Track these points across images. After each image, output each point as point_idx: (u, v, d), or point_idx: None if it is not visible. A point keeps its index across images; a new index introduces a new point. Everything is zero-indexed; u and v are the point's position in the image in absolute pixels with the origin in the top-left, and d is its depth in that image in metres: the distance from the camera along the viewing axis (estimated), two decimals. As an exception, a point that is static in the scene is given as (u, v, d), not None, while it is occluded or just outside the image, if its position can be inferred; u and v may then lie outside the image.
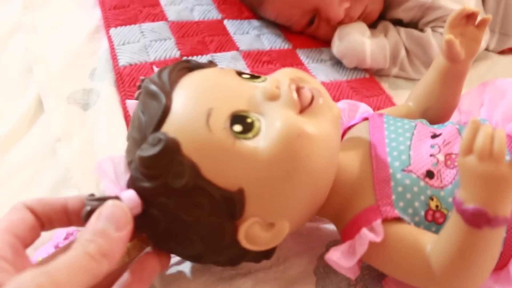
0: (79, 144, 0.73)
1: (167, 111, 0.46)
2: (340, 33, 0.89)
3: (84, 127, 0.76)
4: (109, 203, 0.41)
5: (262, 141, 0.45)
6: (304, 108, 0.47)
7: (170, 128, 0.45)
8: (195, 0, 0.99)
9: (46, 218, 0.46)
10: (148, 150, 0.44)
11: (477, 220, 0.42)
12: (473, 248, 0.44)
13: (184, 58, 0.53)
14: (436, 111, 0.63)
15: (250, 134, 0.45)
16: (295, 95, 0.47)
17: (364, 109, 0.66)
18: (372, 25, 0.94)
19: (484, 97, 0.64)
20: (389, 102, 0.83)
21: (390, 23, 0.93)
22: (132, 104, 0.53)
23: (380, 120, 0.58)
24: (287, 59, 0.89)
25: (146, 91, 0.48)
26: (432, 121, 0.62)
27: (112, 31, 0.89)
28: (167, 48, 0.87)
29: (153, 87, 0.47)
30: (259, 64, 0.87)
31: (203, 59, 0.86)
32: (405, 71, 0.90)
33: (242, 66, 0.86)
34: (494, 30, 0.95)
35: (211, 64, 0.53)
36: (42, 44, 0.90)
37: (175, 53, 0.86)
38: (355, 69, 0.90)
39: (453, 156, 0.52)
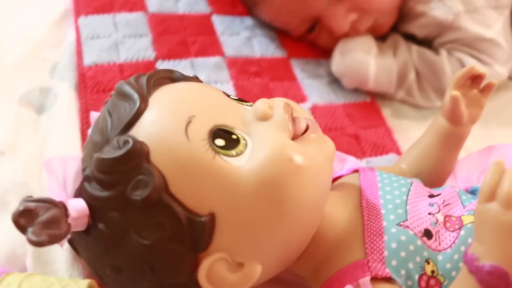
0: (24, 159, 0.66)
1: (139, 114, 0.41)
2: (342, 48, 0.80)
3: (34, 136, 0.69)
4: None
5: (247, 161, 0.40)
6: (296, 137, 0.43)
7: (140, 132, 0.40)
8: (183, -13, 0.88)
9: None
10: (110, 152, 0.38)
11: (495, 281, 0.36)
12: None
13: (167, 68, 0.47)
14: (430, 175, 0.58)
15: (233, 151, 0.40)
16: (289, 117, 0.43)
17: (352, 162, 0.61)
18: (382, 37, 0.84)
19: (489, 162, 0.59)
20: (388, 137, 0.74)
21: (401, 38, 0.83)
22: (96, 116, 0.46)
23: (372, 173, 0.53)
24: (278, 72, 0.79)
25: (118, 92, 0.43)
26: (425, 186, 0.56)
27: (82, 20, 0.79)
28: (140, 48, 0.77)
29: (127, 88, 0.42)
30: (245, 76, 0.77)
31: (182, 63, 0.76)
32: (413, 97, 0.81)
33: (225, 77, 0.76)
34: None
35: (196, 79, 0.48)
36: (1, 26, 0.81)
37: (149, 54, 0.76)
38: (355, 90, 0.80)
39: (453, 218, 0.47)
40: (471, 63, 0.77)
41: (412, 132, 0.76)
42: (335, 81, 0.81)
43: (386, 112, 0.80)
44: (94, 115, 0.47)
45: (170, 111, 0.41)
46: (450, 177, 0.60)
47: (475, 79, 0.57)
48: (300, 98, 0.76)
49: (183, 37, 0.80)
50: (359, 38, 0.80)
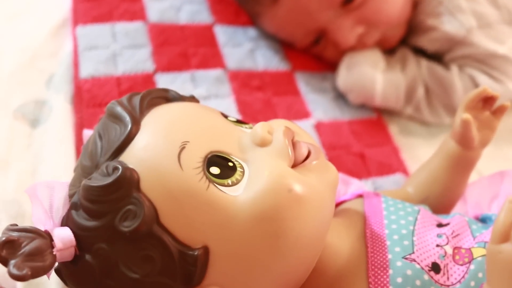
0: (16, 175, 0.64)
1: (131, 138, 0.39)
2: (348, 61, 0.77)
3: (27, 151, 0.67)
4: None
5: (243, 191, 0.38)
6: (297, 164, 0.41)
7: (130, 158, 0.38)
8: (185, -4, 0.85)
9: None
10: (98, 180, 0.37)
11: None
12: None
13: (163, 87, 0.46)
14: (438, 200, 0.56)
15: (229, 181, 0.38)
16: (289, 145, 0.41)
17: (356, 186, 0.59)
18: (390, 51, 0.81)
19: (501, 189, 0.58)
20: (395, 156, 0.72)
21: (410, 52, 0.81)
22: (90, 134, 0.45)
23: (377, 199, 0.50)
24: (282, 86, 0.77)
25: (109, 113, 0.41)
26: (433, 211, 0.54)
27: (79, 30, 0.77)
28: (139, 60, 0.74)
29: (119, 109, 0.41)
30: (248, 90, 0.75)
31: (181, 76, 0.74)
32: (421, 113, 0.78)
33: (226, 91, 0.74)
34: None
35: (192, 98, 0.47)
36: None
37: (149, 66, 0.74)
38: (361, 106, 0.78)
39: (463, 251, 0.44)
40: (483, 80, 0.75)
41: (419, 150, 0.74)
42: (340, 96, 0.78)
43: (393, 129, 0.77)
44: (87, 134, 0.45)
45: (162, 136, 0.39)
46: (460, 202, 0.58)
47: (487, 100, 0.54)
48: (304, 114, 0.74)
49: (184, 48, 0.77)
50: (366, 52, 0.77)
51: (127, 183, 0.36)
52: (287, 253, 0.38)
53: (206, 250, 0.37)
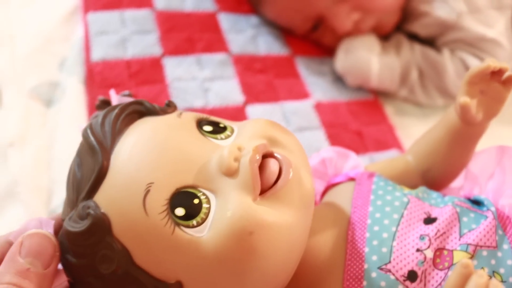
0: (33, 151, 0.68)
1: (103, 174, 0.39)
2: (345, 46, 0.80)
3: (43, 129, 0.70)
4: (32, 231, 0.36)
5: (208, 231, 0.37)
6: (265, 189, 0.39)
7: (103, 198, 0.38)
8: (190, -15, 0.88)
9: None
10: (74, 225, 0.38)
11: None
12: None
13: (139, 99, 0.44)
14: (439, 174, 0.55)
15: (194, 221, 0.38)
16: (255, 174, 0.38)
17: (353, 161, 0.57)
18: (385, 36, 0.84)
19: (499, 166, 0.53)
20: (391, 134, 0.75)
21: (404, 38, 0.84)
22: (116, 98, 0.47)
23: (367, 187, 0.50)
24: (283, 69, 0.80)
25: (85, 141, 0.41)
26: (432, 185, 0.54)
27: (90, 16, 0.80)
28: (147, 44, 0.78)
29: (92, 140, 0.40)
30: (250, 72, 0.78)
31: (187, 60, 0.77)
32: (415, 95, 0.81)
33: (231, 73, 0.77)
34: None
35: (169, 108, 0.45)
36: (12, 21, 0.82)
37: (156, 50, 0.77)
38: (358, 88, 0.81)
39: (445, 253, 0.43)
40: (473, 62, 0.77)
41: (413, 129, 0.76)
42: (338, 79, 0.81)
43: (389, 109, 0.80)
44: (113, 94, 0.48)
45: (129, 177, 0.38)
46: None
47: (494, 73, 0.50)
48: (304, 94, 0.77)
49: (190, 34, 0.81)
50: (362, 37, 0.80)
51: (100, 228, 0.37)
52: (256, 283, 0.39)
53: (179, 284, 0.38)
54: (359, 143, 0.72)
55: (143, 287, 0.37)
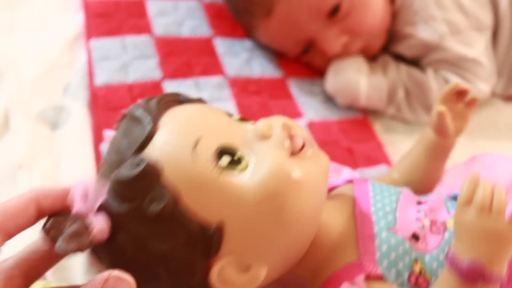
0: (42, 171, 0.70)
1: (151, 136, 0.43)
2: (335, 68, 0.84)
3: (50, 151, 0.73)
4: (121, 275, 0.38)
5: (250, 177, 0.43)
6: (294, 154, 0.46)
7: (153, 152, 0.42)
8: (187, 12, 0.93)
9: (14, 230, 0.41)
10: (127, 171, 0.41)
11: (472, 274, 0.42)
12: None
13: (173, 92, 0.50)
14: (420, 184, 0.62)
15: (237, 169, 0.43)
16: (287, 138, 0.46)
17: (347, 174, 0.63)
18: (373, 58, 0.89)
19: (472, 170, 0.62)
20: (379, 150, 0.79)
21: (391, 58, 0.88)
22: (110, 134, 0.49)
23: (364, 183, 0.57)
24: (277, 90, 0.84)
25: (130, 116, 0.46)
26: (415, 193, 0.60)
27: (93, 43, 0.84)
28: (148, 68, 0.81)
29: (138, 112, 0.45)
30: (246, 94, 0.82)
31: (186, 83, 0.81)
32: (402, 112, 0.85)
33: (227, 95, 0.81)
34: (503, 73, 0.89)
35: (200, 100, 0.51)
36: (17, 48, 0.85)
37: (157, 74, 0.81)
38: (348, 107, 0.85)
39: (438, 223, 0.51)
40: (456, 81, 0.82)
41: (401, 145, 0.80)
42: (329, 99, 0.85)
43: (378, 127, 0.84)
44: (108, 133, 0.49)
45: (179, 133, 0.44)
46: (437, 185, 0.64)
47: (460, 94, 0.61)
48: (296, 114, 0.81)
49: (187, 58, 0.84)
50: (351, 59, 0.84)
51: (152, 173, 0.41)
52: (289, 226, 0.44)
53: (221, 224, 0.41)
54: (350, 160, 0.76)
55: (187, 227, 0.41)
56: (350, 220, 0.51)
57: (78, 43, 0.87)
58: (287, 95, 0.84)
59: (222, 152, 0.43)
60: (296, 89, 0.85)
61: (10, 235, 0.40)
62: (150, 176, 0.41)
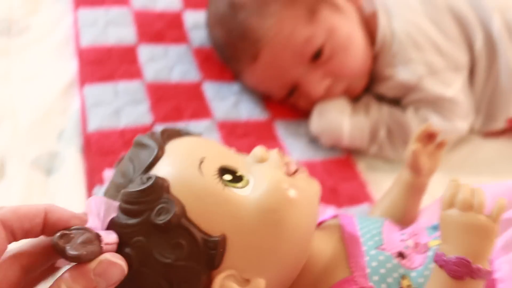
0: None
1: (158, 158, 0.47)
2: (318, 110, 0.87)
3: (44, 196, 0.75)
4: (114, 259, 0.40)
5: (250, 192, 0.46)
6: (288, 175, 0.49)
7: (160, 171, 0.46)
8: (177, 57, 0.96)
9: (20, 231, 0.42)
10: (135, 186, 0.44)
11: (460, 269, 0.44)
12: None
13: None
14: (400, 220, 0.64)
15: (239, 184, 0.47)
16: (282, 156, 0.50)
17: (332, 212, 0.65)
18: (356, 99, 0.92)
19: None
20: (363, 189, 0.81)
21: (373, 99, 0.91)
22: (110, 174, 0.52)
23: (349, 216, 0.60)
24: (263, 132, 0.87)
25: (137, 144, 0.49)
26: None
27: (86, 89, 0.87)
28: (140, 114, 0.85)
29: (145, 139, 0.49)
30: (234, 137, 0.85)
31: (177, 127, 0.83)
32: (384, 151, 0.88)
33: (216, 138, 0.84)
34: (480, 110, 0.92)
35: (200, 135, 0.55)
36: (13, 96, 0.88)
37: (148, 119, 0.84)
38: (332, 147, 0.88)
39: (421, 244, 0.54)
40: (435, 120, 0.84)
41: (384, 183, 0.79)
42: (314, 140, 0.87)
43: (361, 166, 0.87)
44: (107, 173, 0.52)
45: (184, 155, 0.47)
46: (416, 220, 0.67)
47: (431, 136, 0.66)
48: (283, 155, 0.84)
49: (178, 103, 0.88)
50: (334, 100, 0.87)
51: (160, 187, 0.43)
52: (286, 239, 0.46)
53: (224, 237, 0.44)
54: (334, 199, 0.78)
55: (192, 238, 0.43)
56: (339, 243, 0.54)
57: (72, 89, 0.90)
58: (273, 137, 0.87)
59: (224, 171, 0.47)
60: (282, 131, 0.88)
61: (15, 236, 0.41)
62: (158, 189, 0.43)
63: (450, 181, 0.48)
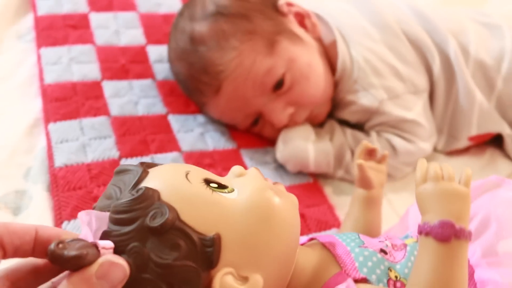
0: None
1: (143, 178, 0.48)
2: (283, 137, 0.89)
3: (12, 236, 0.74)
4: (116, 260, 0.40)
5: (238, 196, 0.49)
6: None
7: (148, 184, 0.47)
8: (141, 92, 0.97)
9: (10, 247, 0.41)
10: (126, 197, 0.45)
11: (445, 231, 0.47)
12: (446, 265, 0.47)
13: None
14: (367, 234, 0.66)
15: (225, 190, 0.49)
16: (259, 171, 0.53)
17: (306, 238, 0.66)
18: (320, 125, 0.94)
19: (409, 221, 0.71)
20: (331, 213, 0.83)
21: (337, 124, 0.93)
22: (83, 215, 0.49)
23: (327, 235, 0.62)
24: (230, 161, 0.87)
25: (118, 171, 0.50)
26: None
27: (51, 126, 0.87)
28: (106, 148, 0.85)
29: (125, 166, 0.50)
30: (201, 167, 0.84)
31: (144, 160, 0.84)
32: (350, 174, 0.89)
33: (183, 169, 0.84)
34: (443, 131, 0.95)
35: None
36: None
37: (114, 153, 0.84)
38: (299, 173, 0.89)
39: (398, 244, 0.58)
40: (397, 142, 0.87)
41: None
42: (280, 167, 0.89)
43: (328, 190, 0.88)
44: (81, 214, 0.50)
45: (170, 170, 0.49)
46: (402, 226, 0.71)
47: (371, 153, 0.73)
48: (250, 183, 0.84)
49: (143, 136, 0.88)
50: (298, 127, 0.89)
51: (151, 195, 0.45)
52: (278, 233, 0.49)
53: (219, 235, 0.45)
54: (303, 225, 0.78)
55: (188, 238, 0.44)
56: (323, 249, 0.56)
57: (38, 128, 0.90)
58: (241, 165, 0.86)
59: (208, 181, 0.49)
60: (248, 159, 0.89)
61: (5, 250, 0.40)
62: (150, 197, 0.45)
63: (419, 161, 0.52)
